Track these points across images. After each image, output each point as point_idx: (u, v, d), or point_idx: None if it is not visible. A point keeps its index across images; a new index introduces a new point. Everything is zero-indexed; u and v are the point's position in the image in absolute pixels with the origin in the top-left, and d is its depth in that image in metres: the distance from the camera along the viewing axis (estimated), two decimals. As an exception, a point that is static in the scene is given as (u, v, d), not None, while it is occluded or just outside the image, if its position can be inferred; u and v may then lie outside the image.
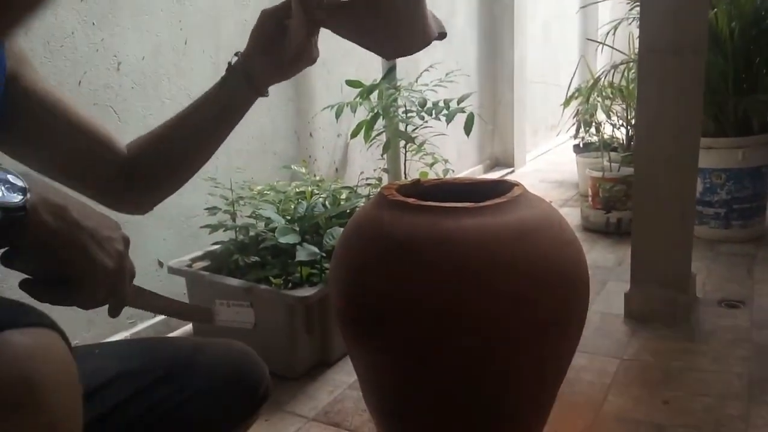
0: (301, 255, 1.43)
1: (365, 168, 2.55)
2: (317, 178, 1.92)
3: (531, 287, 0.80)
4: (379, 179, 2.11)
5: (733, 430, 1.21)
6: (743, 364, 1.45)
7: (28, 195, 0.51)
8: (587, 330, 1.66)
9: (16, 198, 0.51)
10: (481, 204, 0.82)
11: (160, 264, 1.70)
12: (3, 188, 0.50)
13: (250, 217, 1.62)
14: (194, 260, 1.65)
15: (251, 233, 1.58)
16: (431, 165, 2.18)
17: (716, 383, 1.37)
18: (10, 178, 0.51)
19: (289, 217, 1.59)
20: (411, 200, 0.84)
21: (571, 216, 2.77)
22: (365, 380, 0.95)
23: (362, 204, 1.63)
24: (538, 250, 0.82)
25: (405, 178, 2.26)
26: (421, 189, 0.97)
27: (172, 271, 1.60)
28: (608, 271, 2.11)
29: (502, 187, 0.94)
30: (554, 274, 0.82)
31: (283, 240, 1.43)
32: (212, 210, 1.61)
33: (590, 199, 2.68)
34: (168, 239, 1.72)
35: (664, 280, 1.69)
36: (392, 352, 0.82)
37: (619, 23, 2.92)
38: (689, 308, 1.69)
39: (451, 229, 0.78)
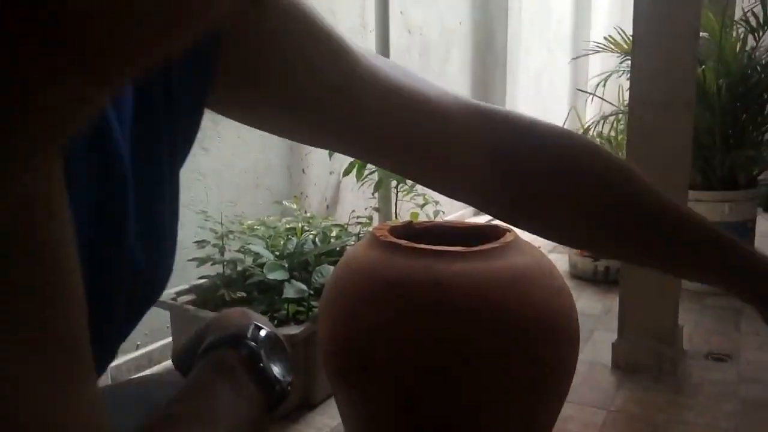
0: (289, 292, 1.42)
1: (356, 206, 2.56)
2: (308, 214, 1.92)
3: (522, 335, 0.80)
4: (370, 218, 2.11)
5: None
6: (730, 418, 1.43)
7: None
8: (575, 379, 1.65)
9: (289, 377, 0.50)
10: (474, 249, 0.82)
11: (145, 296, 1.67)
12: (280, 366, 0.49)
13: (238, 251, 1.61)
14: (180, 293, 1.63)
15: (239, 268, 1.57)
16: (422, 206, 2.19)
17: (703, 437, 1.36)
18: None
19: (278, 253, 1.58)
20: (403, 242, 0.84)
21: (560, 263, 2.77)
22: (350, 424, 0.93)
23: (352, 242, 1.63)
24: (529, 297, 0.82)
25: (396, 218, 2.26)
26: (412, 231, 0.97)
27: (157, 304, 1.57)
28: (596, 320, 2.10)
29: (494, 231, 0.94)
30: (545, 322, 0.82)
31: (271, 276, 1.41)
32: (201, 243, 1.59)
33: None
34: (154, 271, 1.70)
35: (651, 332, 1.69)
36: (380, 396, 0.81)
37: (609, 75, 2.99)
38: (676, 361, 1.68)
39: (442, 272, 0.78)
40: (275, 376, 0.48)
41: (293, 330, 1.39)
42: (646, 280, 1.69)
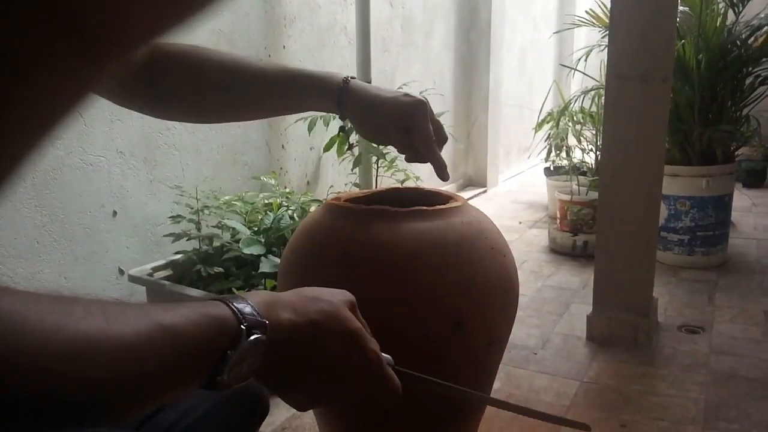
0: (265, 266, 1.42)
1: (337, 182, 2.55)
2: (287, 190, 1.91)
3: (451, 291, 0.79)
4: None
5: (687, 454, 1.22)
6: (700, 389, 1.46)
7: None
8: (548, 351, 1.68)
9: (240, 383, 0.48)
10: (413, 209, 0.82)
11: (121, 272, 1.67)
12: (241, 369, 0.47)
13: (215, 227, 1.60)
14: (156, 269, 1.62)
15: (216, 243, 1.56)
16: (403, 182, 2.19)
17: (674, 408, 1.38)
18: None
19: (255, 229, 1.58)
20: (353, 205, 0.84)
21: (540, 238, 2.80)
22: None
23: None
24: (465, 255, 0.82)
25: None
26: (373, 197, 0.97)
27: (133, 279, 1.57)
28: (572, 294, 2.12)
29: (449, 198, 0.94)
30: (479, 279, 0.82)
31: (247, 251, 1.41)
32: (176, 218, 1.58)
33: (558, 221, 2.70)
34: (131, 247, 1.69)
35: (625, 305, 1.71)
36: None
37: (591, 50, 2.98)
38: (650, 333, 1.71)
39: (383, 232, 0.78)
40: (224, 376, 0.46)
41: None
42: (621, 253, 1.71)
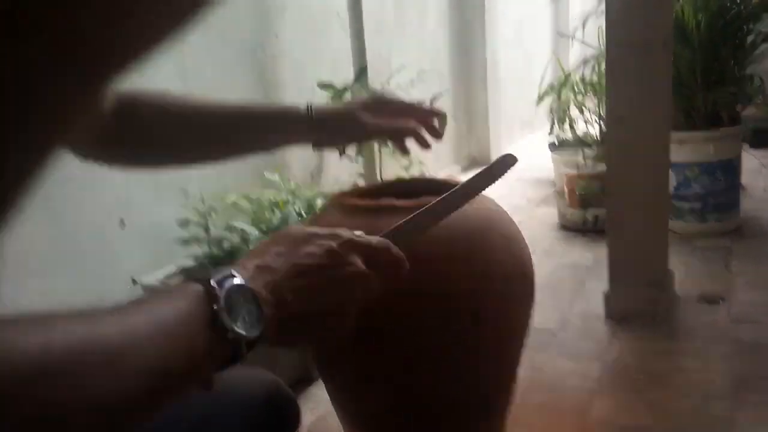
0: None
1: (340, 173, 2.52)
2: (292, 185, 1.88)
3: (466, 285, 0.78)
4: (356, 185, 2.08)
5: (718, 429, 1.20)
6: (726, 362, 1.45)
7: (264, 325, 0.49)
8: (568, 333, 1.66)
9: (257, 330, 0.49)
10: (422, 202, 0.79)
11: (134, 281, 1.65)
12: (244, 319, 0.48)
13: (224, 229, 1.58)
14: (168, 277, 1.61)
15: (225, 246, 1.54)
16: (407, 168, 2.16)
17: (701, 383, 1.37)
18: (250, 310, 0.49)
19: (264, 227, 1.56)
20: (358, 201, 0.82)
21: (549, 215, 2.77)
22: (328, 384, 0.92)
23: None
24: (478, 247, 0.80)
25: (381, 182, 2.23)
26: (380, 190, 0.94)
27: (146, 290, 1.55)
28: (587, 271, 2.10)
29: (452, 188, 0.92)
30: (493, 270, 0.80)
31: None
32: (184, 223, 1.56)
33: (567, 196, 2.67)
34: (141, 255, 1.67)
35: (642, 279, 1.69)
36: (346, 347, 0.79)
37: (588, 17, 2.93)
38: (669, 306, 1.69)
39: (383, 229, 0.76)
40: (232, 327, 0.46)
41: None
42: (633, 226, 1.68)
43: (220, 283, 0.47)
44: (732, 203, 2.33)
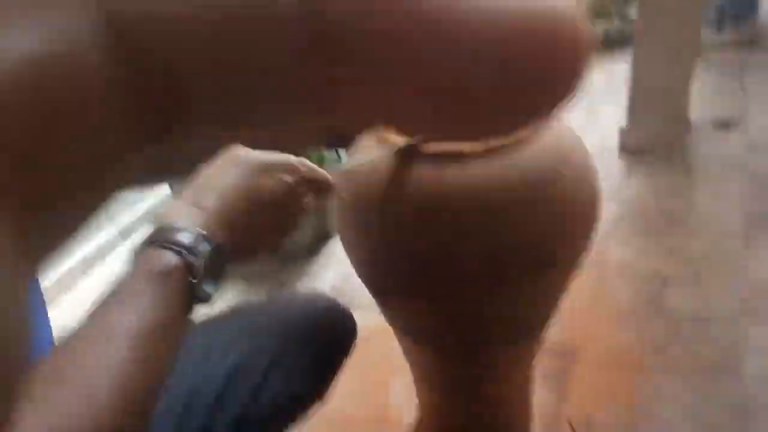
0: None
1: None
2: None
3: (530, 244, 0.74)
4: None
5: (733, 268, 1.25)
6: (739, 197, 1.46)
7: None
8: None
9: (220, 283, 0.49)
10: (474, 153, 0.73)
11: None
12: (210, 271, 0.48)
13: None
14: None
15: None
16: None
17: (714, 222, 1.40)
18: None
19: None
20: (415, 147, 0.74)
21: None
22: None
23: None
24: (541, 199, 0.74)
25: None
26: None
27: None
28: (599, 95, 2.04)
29: None
30: (560, 224, 0.76)
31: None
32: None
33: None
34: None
35: (662, 114, 1.65)
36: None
37: None
38: (685, 138, 1.67)
39: (450, 179, 0.71)
40: (204, 291, 0.48)
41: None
42: (661, 61, 1.58)
43: (193, 250, 0.46)
44: (750, 12, 2.20)
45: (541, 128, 0.72)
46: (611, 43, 2.33)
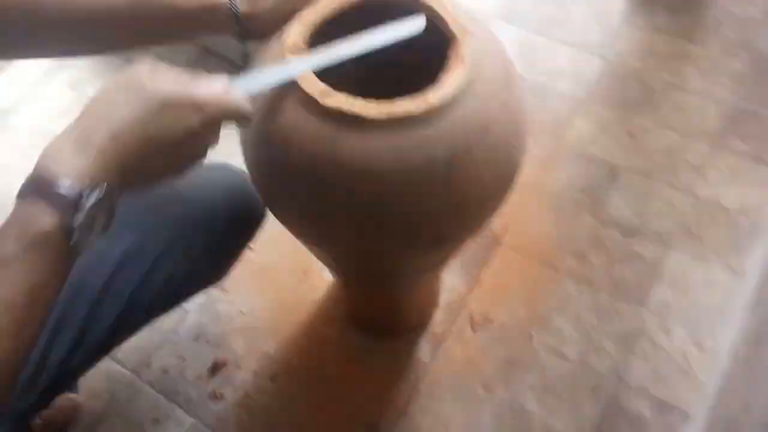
0: None
1: None
2: None
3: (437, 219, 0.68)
4: None
5: (684, 181, 1.21)
6: (731, 85, 1.33)
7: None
8: (580, 5, 1.45)
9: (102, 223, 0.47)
10: (396, 115, 0.62)
11: None
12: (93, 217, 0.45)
13: None
14: None
15: None
16: None
17: (692, 111, 1.29)
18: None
19: None
20: (317, 100, 0.62)
21: None
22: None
23: None
24: (460, 175, 0.66)
25: None
26: (342, 16, 0.70)
27: None
28: None
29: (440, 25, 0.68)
30: (473, 200, 0.68)
31: None
32: None
33: None
34: None
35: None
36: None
37: None
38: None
39: (354, 147, 0.62)
40: (84, 244, 0.46)
41: None
42: None
43: (75, 204, 0.43)
44: None
45: (460, 96, 0.62)
46: None
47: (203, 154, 0.53)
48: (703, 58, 1.38)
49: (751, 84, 1.33)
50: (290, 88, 0.62)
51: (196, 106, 0.49)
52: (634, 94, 1.33)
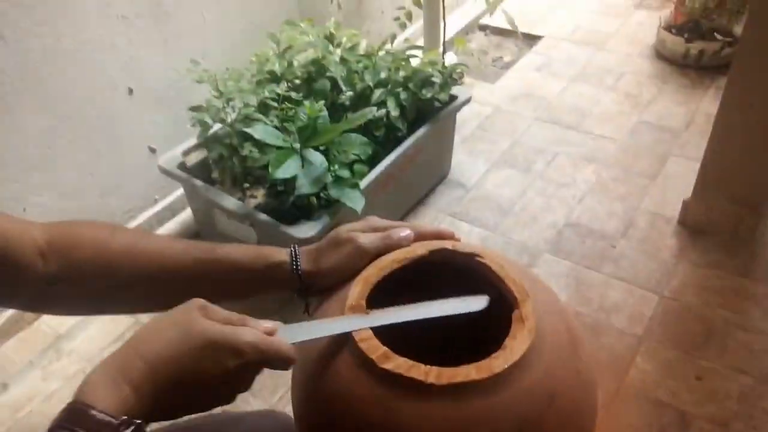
0: (303, 186, 1.22)
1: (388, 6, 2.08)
2: (330, 24, 1.55)
3: None
4: (409, 15, 1.72)
5: (764, 431, 1.11)
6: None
7: None
8: (630, 242, 1.49)
9: None
10: (458, 383, 0.59)
11: (152, 150, 1.50)
12: None
13: (238, 122, 1.34)
14: (189, 150, 1.45)
15: (243, 152, 1.33)
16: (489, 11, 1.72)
17: (761, 355, 1.23)
18: None
19: (288, 119, 1.31)
20: (377, 365, 0.61)
21: (646, 29, 2.31)
22: None
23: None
24: None
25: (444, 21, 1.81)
26: (408, 269, 0.72)
27: (164, 172, 1.41)
28: (672, 138, 1.80)
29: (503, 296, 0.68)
30: None
31: (280, 176, 1.20)
32: (197, 110, 1.34)
33: (673, 3, 2.18)
34: (158, 123, 1.49)
35: (734, 195, 1.43)
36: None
37: None
38: (755, 227, 1.45)
39: (408, 417, 0.59)
40: None
41: (309, 230, 1.24)
42: (751, 125, 1.33)
43: None
44: None
45: (527, 367, 0.59)
46: (705, 66, 2.04)
47: (232, 398, 0.52)
48: (764, 295, 1.34)
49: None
50: (347, 344, 0.61)
51: (237, 351, 0.49)
52: (695, 333, 1.28)
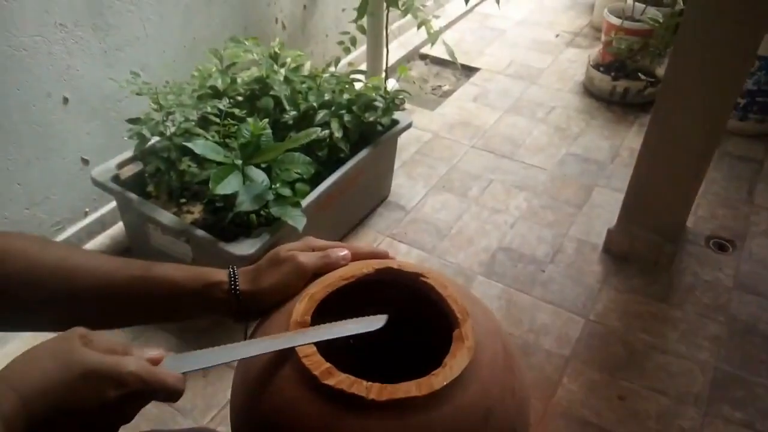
0: (244, 203, 1.21)
1: (332, 30, 2.12)
2: (275, 44, 1.56)
3: None
4: (353, 40, 1.76)
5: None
6: (712, 348, 1.36)
7: None
8: (558, 267, 1.55)
9: None
10: (396, 398, 0.61)
11: (85, 162, 1.46)
12: None
13: (178, 136, 1.33)
14: (124, 163, 1.41)
15: (181, 167, 1.31)
16: (421, 25, 1.79)
17: (679, 375, 1.30)
18: None
19: (230, 136, 1.31)
20: (318, 380, 0.61)
21: (577, 66, 2.44)
22: None
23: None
24: None
25: (386, 47, 1.86)
26: (354, 287, 0.73)
27: (97, 184, 1.37)
28: (598, 169, 1.90)
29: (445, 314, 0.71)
30: None
31: (220, 191, 1.19)
32: (135, 123, 1.32)
33: (602, 43, 2.32)
34: (92, 133, 1.45)
35: (655, 225, 1.52)
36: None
37: None
38: (673, 256, 1.55)
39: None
40: None
41: (248, 248, 1.23)
42: (668, 165, 1.43)
43: None
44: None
45: (462, 384, 0.61)
46: (630, 102, 2.17)
47: (116, 429, 0.50)
48: (680, 320, 1.42)
49: (730, 348, 1.36)
50: (290, 359, 0.61)
51: (119, 381, 0.47)
52: (617, 355, 1.35)
